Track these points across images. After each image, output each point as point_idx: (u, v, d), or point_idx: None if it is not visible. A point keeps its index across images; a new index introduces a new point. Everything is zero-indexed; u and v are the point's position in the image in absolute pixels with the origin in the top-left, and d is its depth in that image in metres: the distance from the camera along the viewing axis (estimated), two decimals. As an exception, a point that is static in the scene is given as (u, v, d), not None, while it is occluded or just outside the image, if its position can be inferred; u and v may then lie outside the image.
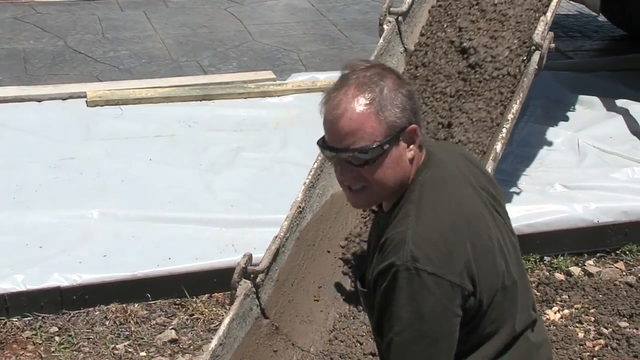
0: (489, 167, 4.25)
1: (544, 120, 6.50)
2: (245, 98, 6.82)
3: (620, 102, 6.78)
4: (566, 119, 6.57)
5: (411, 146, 2.56)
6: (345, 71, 2.58)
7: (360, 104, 2.48)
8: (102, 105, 6.64)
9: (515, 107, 4.49)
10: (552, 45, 4.68)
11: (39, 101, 6.72)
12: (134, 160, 5.92)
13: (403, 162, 2.56)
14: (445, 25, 5.10)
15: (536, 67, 4.60)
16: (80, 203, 5.44)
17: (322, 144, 2.57)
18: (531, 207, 5.44)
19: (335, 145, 2.52)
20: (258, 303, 3.68)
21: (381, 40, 4.95)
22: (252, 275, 3.56)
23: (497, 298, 2.58)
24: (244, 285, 3.57)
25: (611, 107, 6.72)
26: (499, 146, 4.31)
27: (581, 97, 6.86)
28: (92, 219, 5.32)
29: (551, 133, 6.33)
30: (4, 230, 5.21)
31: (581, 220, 5.42)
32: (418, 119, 2.57)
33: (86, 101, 6.67)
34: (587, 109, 6.73)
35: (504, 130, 4.40)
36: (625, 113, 6.64)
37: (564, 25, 9.15)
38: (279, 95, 6.84)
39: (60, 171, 5.80)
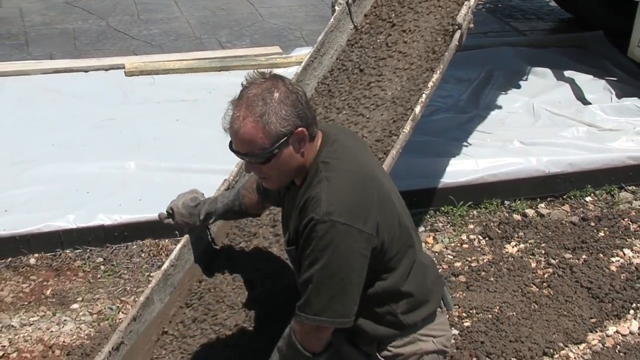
0: (408, 127, 4.11)
1: (505, 88, 6.46)
2: (256, 69, 6.74)
3: (568, 73, 6.75)
4: (524, 86, 6.53)
5: (301, 144, 2.67)
6: (244, 83, 2.69)
7: (250, 123, 2.59)
8: (137, 75, 6.60)
9: (436, 76, 4.36)
10: (471, 25, 4.61)
11: (86, 72, 6.68)
12: (163, 120, 5.89)
13: (295, 157, 2.67)
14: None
15: (457, 43, 4.51)
16: (119, 156, 5.43)
17: (231, 147, 2.70)
18: (494, 160, 5.45)
19: (237, 150, 2.66)
20: (209, 233, 3.64)
21: (332, 20, 4.85)
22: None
23: (396, 234, 2.72)
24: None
25: (560, 77, 6.69)
26: (417, 109, 4.17)
27: (535, 68, 6.82)
28: (129, 169, 5.33)
29: (511, 98, 6.30)
30: (57, 178, 5.21)
31: (535, 171, 5.43)
32: (307, 120, 2.66)
33: (124, 72, 6.63)
34: (541, 79, 6.69)
35: (424, 95, 4.27)
36: (571, 82, 6.61)
37: (521, 8, 9.07)
38: (284, 67, 6.76)
39: (102, 130, 5.78)
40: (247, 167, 2.75)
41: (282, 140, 2.61)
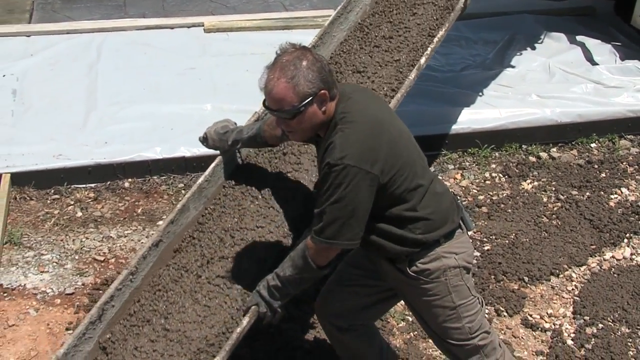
0: (412, 75, 3.90)
1: (525, 49, 6.29)
2: (314, 28, 6.63)
3: (579, 38, 6.55)
4: (541, 48, 6.35)
5: (323, 103, 2.72)
6: (278, 52, 2.75)
7: (282, 83, 2.65)
8: (214, 32, 6.51)
9: (441, 32, 4.17)
10: None
11: (172, 28, 6.60)
12: (235, 70, 5.81)
13: (318, 115, 2.73)
14: None
15: (462, 5, 4.34)
16: (198, 99, 5.40)
17: (264, 104, 2.75)
18: (515, 110, 5.35)
19: (270, 107, 2.73)
20: (239, 156, 3.57)
21: None
22: None
23: (403, 172, 2.75)
24: None
25: (573, 41, 6.51)
26: (423, 60, 4.01)
27: (552, 33, 6.62)
28: (206, 110, 5.29)
29: (530, 58, 6.14)
30: (147, 117, 5.22)
31: (549, 120, 5.32)
32: (328, 83, 2.72)
33: (203, 29, 6.56)
34: (556, 42, 6.49)
35: (429, 49, 4.09)
36: (582, 46, 6.43)
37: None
38: (338, 27, 6.67)
39: (185, 77, 5.73)
40: (278, 121, 2.82)
41: (308, 100, 2.67)
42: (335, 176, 2.65)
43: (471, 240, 3.03)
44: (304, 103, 2.66)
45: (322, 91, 2.69)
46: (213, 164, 3.48)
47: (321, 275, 2.85)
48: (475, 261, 4.15)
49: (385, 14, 4.49)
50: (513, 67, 6.04)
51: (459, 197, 4.71)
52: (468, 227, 2.99)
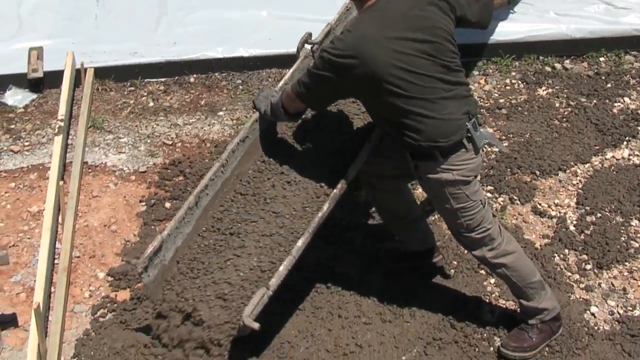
0: None
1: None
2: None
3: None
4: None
5: None
6: None
7: None
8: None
9: None
10: None
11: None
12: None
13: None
14: None
15: None
16: (254, 6, 5.04)
17: None
18: (534, 25, 4.95)
19: None
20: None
21: None
22: (311, 46, 3.23)
23: (400, 74, 2.62)
24: (304, 50, 3.26)
25: (587, -34, 6.06)
26: None
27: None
28: (262, 16, 4.96)
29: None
30: (211, 21, 4.94)
31: (564, 35, 4.94)
32: None
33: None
34: (572, -34, 6.05)
35: None
36: (595, -30, 5.98)
37: None
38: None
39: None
40: None
41: None
42: (317, 58, 2.74)
43: (473, 155, 2.82)
44: None
45: None
46: (291, 70, 3.31)
47: (285, 120, 3.03)
48: (493, 155, 4.01)
49: None
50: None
51: (481, 100, 4.48)
52: (475, 150, 2.81)
